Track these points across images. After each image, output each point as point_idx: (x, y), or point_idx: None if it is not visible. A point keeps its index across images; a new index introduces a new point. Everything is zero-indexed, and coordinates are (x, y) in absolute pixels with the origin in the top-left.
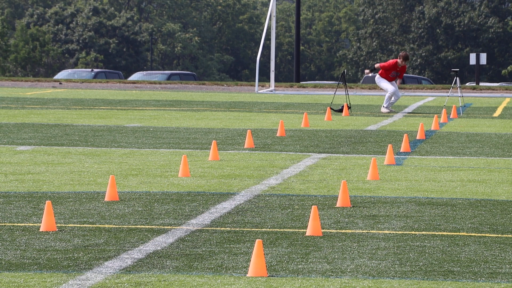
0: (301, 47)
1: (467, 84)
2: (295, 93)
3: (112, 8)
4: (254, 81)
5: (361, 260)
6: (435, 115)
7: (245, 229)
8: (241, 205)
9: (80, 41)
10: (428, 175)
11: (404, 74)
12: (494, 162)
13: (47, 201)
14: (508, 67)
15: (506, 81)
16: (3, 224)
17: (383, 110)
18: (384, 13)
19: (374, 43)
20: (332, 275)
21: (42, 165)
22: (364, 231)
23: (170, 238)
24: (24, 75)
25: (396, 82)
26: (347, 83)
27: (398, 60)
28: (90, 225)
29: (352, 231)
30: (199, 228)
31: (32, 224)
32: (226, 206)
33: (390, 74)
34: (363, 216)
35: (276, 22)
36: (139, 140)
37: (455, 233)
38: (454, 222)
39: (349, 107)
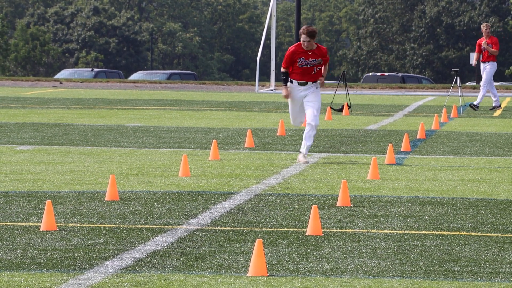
0: None
1: (467, 83)
2: None
3: (113, 8)
4: (255, 80)
5: (362, 259)
6: (436, 115)
7: (245, 228)
8: (241, 204)
9: (80, 41)
10: (428, 174)
11: (405, 74)
12: (495, 162)
13: (47, 200)
14: (511, 67)
15: (507, 80)
16: (3, 223)
17: (300, 158)
18: (385, 12)
19: (375, 43)
20: (332, 275)
21: (42, 164)
22: (364, 230)
23: (170, 237)
24: (24, 75)
25: (313, 72)
26: (347, 83)
27: (302, 40)
28: (91, 225)
29: (352, 230)
30: (200, 227)
31: (32, 224)
32: (226, 205)
33: (298, 64)
34: (363, 215)
35: (277, 22)
36: (140, 140)
37: (456, 233)
38: (455, 222)
39: (349, 107)
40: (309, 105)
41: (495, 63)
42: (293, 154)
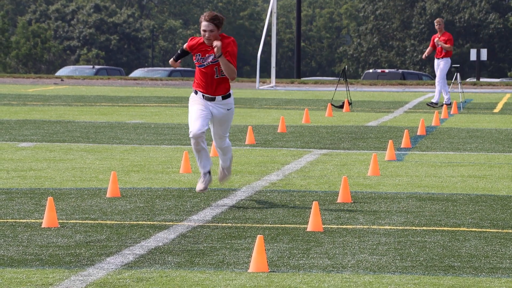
0: (302, 44)
1: (467, 80)
2: (296, 89)
3: (113, 5)
4: (255, 77)
5: (362, 255)
6: (436, 111)
7: (246, 224)
8: (242, 201)
9: (81, 38)
10: (428, 170)
11: (405, 70)
12: (495, 158)
13: (49, 197)
14: None
15: (507, 76)
16: (5, 220)
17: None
18: (385, 9)
19: (375, 39)
20: (333, 271)
21: (44, 161)
22: (365, 226)
23: (171, 234)
24: (26, 72)
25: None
26: (347, 79)
27: (202, 29)
28: (92, 221)
29: (353, 226)
30: (201, 224)
31: (34, 220)
32: (228, 202)
33: (195, 62)
34: (364, 211)
35: (277, 19)
36: (141, 137)
37: (456, 228)
38: (455, 218)
39: (350, 103)
40: (215, 135)
41: (449, 59)
42: (294, 151)
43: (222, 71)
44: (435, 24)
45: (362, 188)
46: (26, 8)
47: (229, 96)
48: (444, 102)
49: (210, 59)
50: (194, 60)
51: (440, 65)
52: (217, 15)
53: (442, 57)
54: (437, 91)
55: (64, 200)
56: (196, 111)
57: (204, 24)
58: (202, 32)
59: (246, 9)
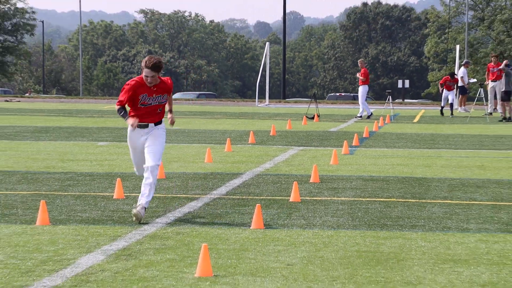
0: (286, 76)
1: (396, 100)
2: (282, 106)
3: (160, 50)
4: (255, 98)
5: (326, 217)
6: (375, 121)
7: (249, 197)
8: (246, 181)
9: (139, 73)
10: (370, 160)
11: (355, 94)
12: (414, 152)
13: (118, 178)
14: (425, 90)
15: (422, 98)
16: (89, 193)
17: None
18: (342, 53)
19: (335, 73)
20: (307, 228)
21: (114, 154)
22: (328, 198)
23: (199, 203)
24: (103, 95)
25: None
26: (317, 99)
27: (144, 75)
28: None
29: (320, 198)
30: (218, 196)
31: (108, 194)
32: (236, 182)
33: (140, 102)
34: (327, 188)
35: (270, 59)
36: (179, 138)
37: (388, 199)
38: (388, 192)
39: (318, 116)
40: (148, 149)
41: (365, 86)
42: (281, 147)
43: (160, 109)
44: (358, 63)
45: (327, 173)
46: (103, 52)
47: (160, 122)
48: (366, 114)
49: (158, 100)
50: (139, 99)
51: (360, 90)
52: (157, 62)
53: (361, 85)
54: (365, 107)
55: (128, 180)
56: (134, 155)
57: (146, 71)
58: (144, 77)
59: (249, 52)
